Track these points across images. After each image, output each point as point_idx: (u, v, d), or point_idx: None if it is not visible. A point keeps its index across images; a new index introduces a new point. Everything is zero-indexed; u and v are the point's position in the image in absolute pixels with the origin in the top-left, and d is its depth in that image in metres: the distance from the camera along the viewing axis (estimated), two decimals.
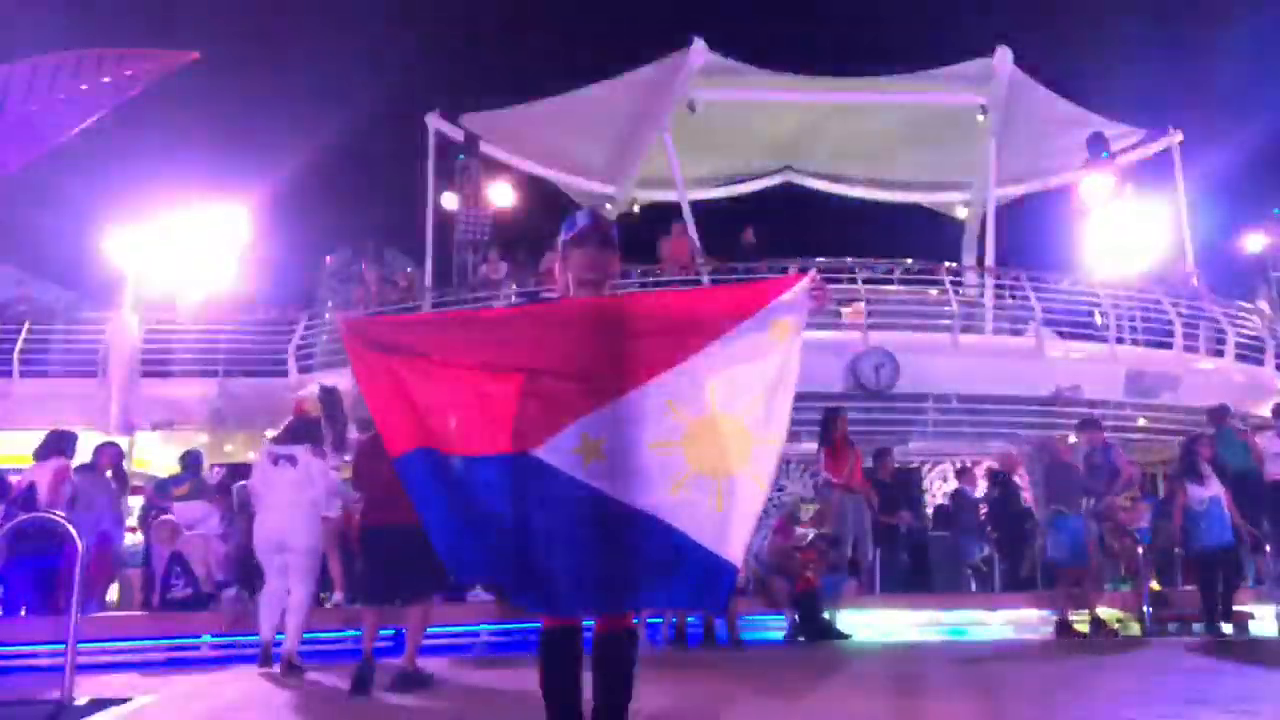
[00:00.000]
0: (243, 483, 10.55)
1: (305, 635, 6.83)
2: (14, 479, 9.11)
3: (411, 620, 6.01)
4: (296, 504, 6.68)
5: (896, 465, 11.63)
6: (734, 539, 2.77)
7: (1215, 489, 9.02)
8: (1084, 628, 8.91)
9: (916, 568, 10.99)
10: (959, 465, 12.24)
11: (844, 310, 12.72)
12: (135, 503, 11.48)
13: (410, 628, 6.01)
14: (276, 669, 6.52)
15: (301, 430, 7.03)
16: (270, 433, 14.03)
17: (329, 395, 8.32)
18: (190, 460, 10.51)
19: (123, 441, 13.51)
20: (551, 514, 2.75)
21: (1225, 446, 10.09)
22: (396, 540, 5.50)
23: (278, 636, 6.69)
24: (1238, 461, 10.09)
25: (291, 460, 6.75)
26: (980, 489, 11.66)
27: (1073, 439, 10.33)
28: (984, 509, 11.32)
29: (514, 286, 13.57)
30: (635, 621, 3.13)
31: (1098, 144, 15.80)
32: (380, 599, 6.12)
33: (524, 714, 4.72)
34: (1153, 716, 4.52)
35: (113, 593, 10.37)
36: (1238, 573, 9.21)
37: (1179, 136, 15.91)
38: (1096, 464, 9.72)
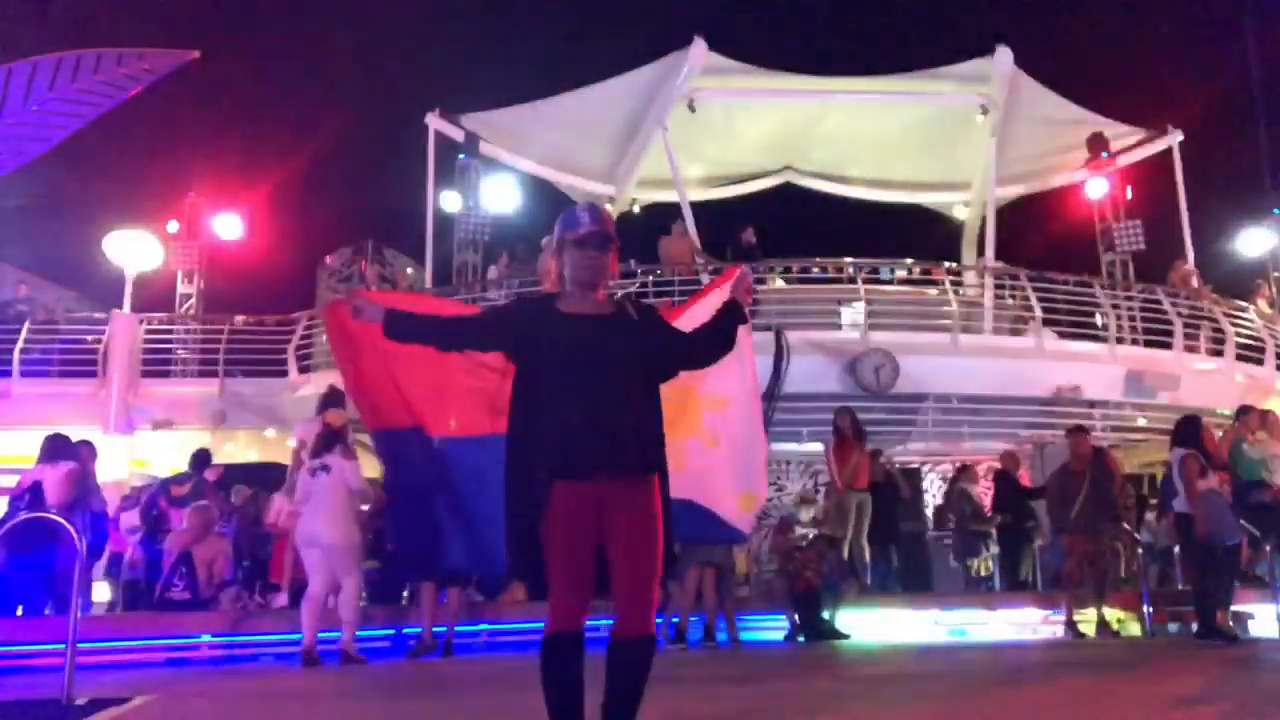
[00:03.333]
0: (239, 486, 10.56)
1: (301, 636, 7.04)
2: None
3: (451, 601, 7.81)
4: (330, 505, 7.14)
5: (897, 465, 11.63)
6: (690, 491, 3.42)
7: (1214, 479, 8.44)
8: (1089, 628, 8.91)
9: (916, 568, 10.99)
10: (959, 464, 12.22)
11: (844, 310, 12.72)
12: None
13: (450, 607, 7.80)
14: (325, 666, 7.01)
15: (331, 439, 7.43)
16: (270, 432, 14.15)
17: (333, 394, 8.40)
18: (197, 459, 10.49)
19: (123, 441, 13.54)
20: None
21: (1234, 450, 9.92)
22: None
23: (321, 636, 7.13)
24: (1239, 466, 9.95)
25: (326, 468, 7.24)
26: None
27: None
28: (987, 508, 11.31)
29: (517, 283, 13.57)
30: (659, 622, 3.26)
31: (1098, 144, 15.81)
32: (431, 578, 7.60)
33: (526, 713, 4.74)
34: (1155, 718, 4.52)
35: (103, 592, 10.40)
36: (1237, 574, 8.80)
37: (1179, 136, 15.91)
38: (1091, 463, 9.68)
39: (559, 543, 2.88)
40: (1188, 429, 8.54)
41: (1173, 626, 9.28)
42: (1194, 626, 8.47)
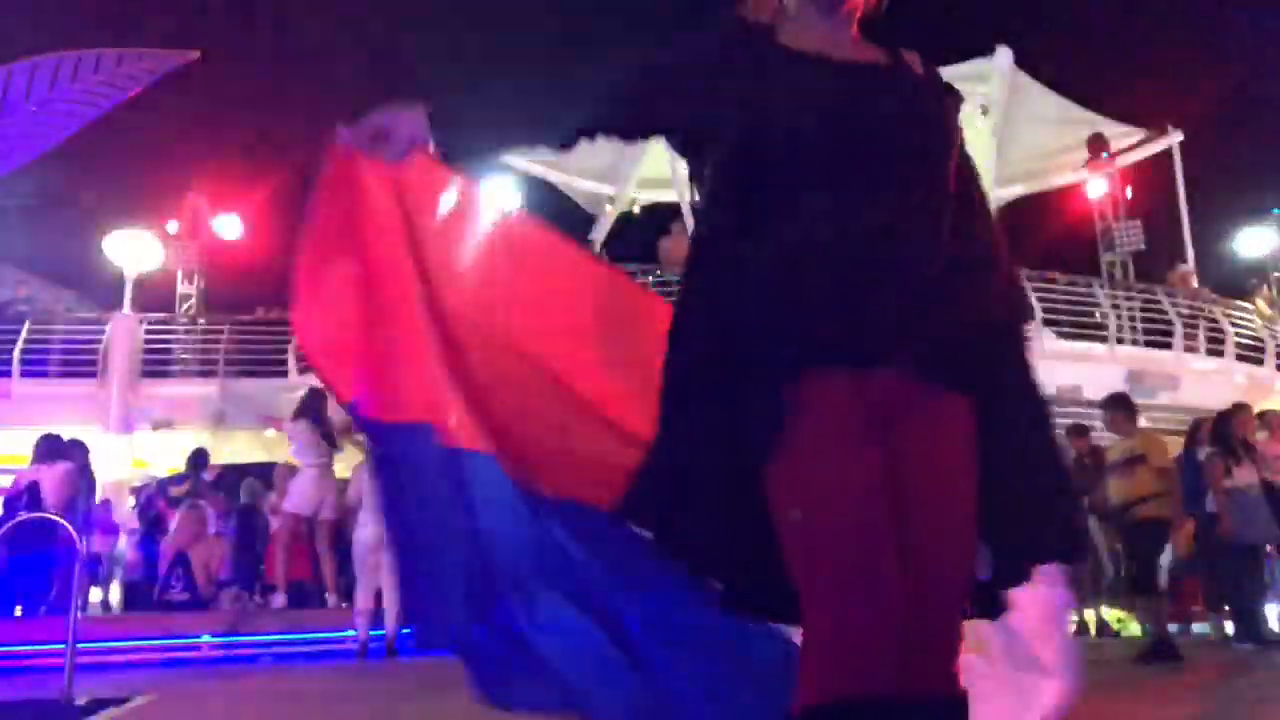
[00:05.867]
0: (251, 479, 10.53)
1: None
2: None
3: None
4: None
5: None
6: None
7: (1253, 475, 7.73)
8: (1092, 628, 8.92)
9: None
10: None
11: None
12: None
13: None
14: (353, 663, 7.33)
15: None
16: (270, 432, 14.12)
17: (316, 396, 8.50)
18: (195, 459, 10.48)
19: (123, 441, 13.54)
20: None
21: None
22: None
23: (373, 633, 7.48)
24: None
25: None
26: None
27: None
28: None
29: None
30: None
31: (1098, 144, 15.81)
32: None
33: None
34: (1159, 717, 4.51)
35: (98, 594, 10.40)
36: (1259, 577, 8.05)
37: (1179, 136, 15.91)
38: (1086, 466, 9.67)
39: (834, 495, 1.40)
40: (1220, 425, 8.06)
41: (1173, 627, 9.25)
42: (1193, 628, 8.42)
